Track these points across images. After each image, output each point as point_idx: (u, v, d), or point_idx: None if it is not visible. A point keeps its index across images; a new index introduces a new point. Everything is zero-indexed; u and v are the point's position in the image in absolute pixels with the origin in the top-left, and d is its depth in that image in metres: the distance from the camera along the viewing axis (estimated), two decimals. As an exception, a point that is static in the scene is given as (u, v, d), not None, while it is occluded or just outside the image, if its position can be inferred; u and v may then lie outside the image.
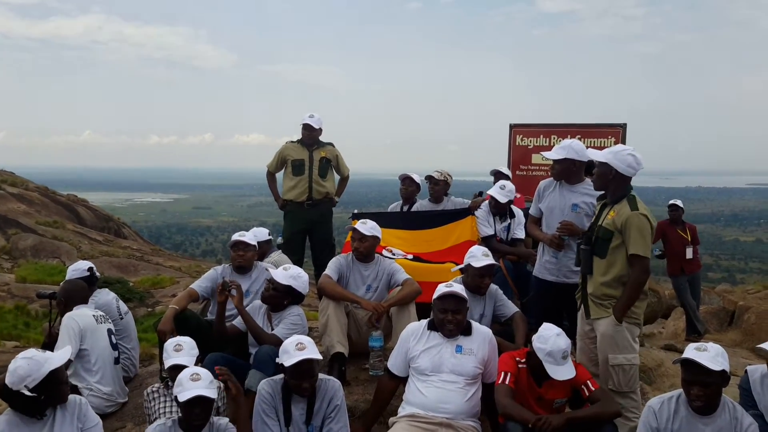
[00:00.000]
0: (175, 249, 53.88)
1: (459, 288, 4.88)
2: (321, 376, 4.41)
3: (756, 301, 12.52)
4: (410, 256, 6.90)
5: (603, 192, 5.12)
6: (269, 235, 7.28)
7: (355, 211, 7.30)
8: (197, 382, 3.98)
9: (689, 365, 3.77)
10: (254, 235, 6.38)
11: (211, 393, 4.01)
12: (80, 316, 5.44)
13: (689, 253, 10.64)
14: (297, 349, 4.23)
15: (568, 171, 5.72)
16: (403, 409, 4.76)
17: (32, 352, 3.98)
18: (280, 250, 7.47)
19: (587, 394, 4.51)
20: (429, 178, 7.87)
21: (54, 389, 3.94)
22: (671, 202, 10.83)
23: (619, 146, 5.04)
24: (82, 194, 34.92)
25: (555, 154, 5.71)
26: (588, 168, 5.76)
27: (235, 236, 6.15)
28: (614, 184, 4.89)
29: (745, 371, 4.37)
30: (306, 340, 4.32)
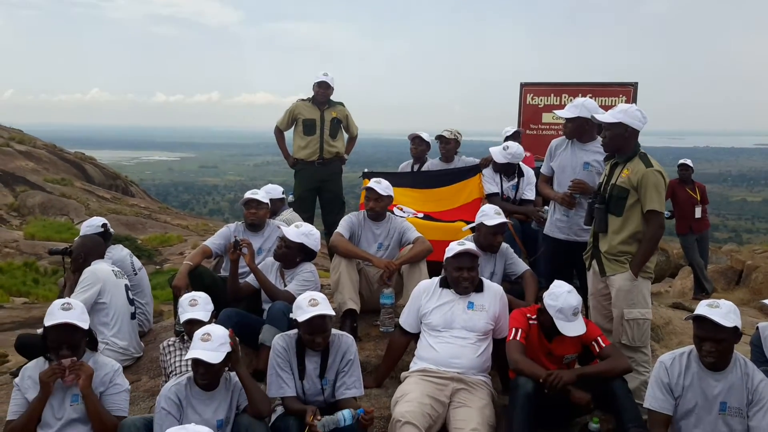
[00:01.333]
0: (182, 207, 54.01)
1: (472, 245, 4.93)
2: (334, 331, 4.47)
3: (763, 260, 12.56)
4: (421, 215, 6.92)
5: (608, 153, 5.14)
6: (282, 193, 7.32)
7: (366, 170, 7.31)
8: (205, 343, 3.99)
9: (701, 322, 3.80)
10: (266, 193, 6.40)
11: (214, 357, 3.95)
12: (100, 270, 5.50)
13: (698, 213, 10.66)
14: (310, 305, 4.27)
15: (581, 129, 5.71)
16: (415, 364, 4.85)
17: (67, 300, 4.12)
18: (292, 209, 7.51)
19: (598, 350, 4.58)
20: (440, 137, 7.86)
21: (52, 343, 3.99)
22: (681, 161, 10.81)
23: (624, 105, 5.08)
24: (89, 152, 34.96)
25: (568, 112, 5.70)
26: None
27: (248, 194, 6.18)
28: (628, 142, 4.90)
29: (757, 328, 4.43)
30: (319, 296, 4.37)
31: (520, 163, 7.27)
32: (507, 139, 8.07)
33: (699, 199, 10.65)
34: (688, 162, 10.74)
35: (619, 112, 4.89)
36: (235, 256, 5.47)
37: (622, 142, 4.92)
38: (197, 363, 3.99)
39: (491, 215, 5.72)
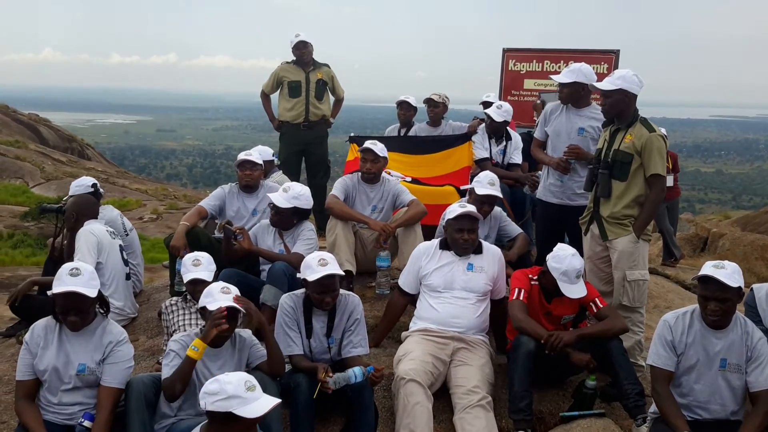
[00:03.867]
0: (139, 172, 53.17)
1: (473, 208, 4.99)
2: (341, 291, 4.51)
3: (728, 228, 12.92)
4: (409, 179, 6.94)
5: (608, 119, 5.20)
6: (272, 155, 7.29)
7: (352, 134, 7.30)
8: (228, 295, 4.06)
9: (707, 282, 3.90)
10: (259, 154, 6.36)
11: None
12: (96, 231, 5.43)
13: (669, 181, 10.84)
14: (320, 264, 4.31)
15: (576, 95, 5.75)
16: (415, 324, 4.94)
17: (76, 264, 4.02)
18: (281, 171, 7.48)
19: (595, 310, 4.71)
20: (428, 101, 7.88)
21: (60, 308, 3.94)
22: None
23: (621, 71, 5.11)
24: (42, 114, 34.06)
25: (564, 77, 5.72)
26: None
27: (242, 155, 6.08)
28: (628, 108, 4.99)
29: (751, 289, 4.57)
30: (328, 256, 4.41)
31: (508, 128, 7.33)
32: (486, 105, 8.10)
33: (671, 167, 10.84)
34: (663, 131, 10.91)
35: (618, 79, 4.95)
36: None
37: (623, 108, 4.99)
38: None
39: (484, 184, 5.78)
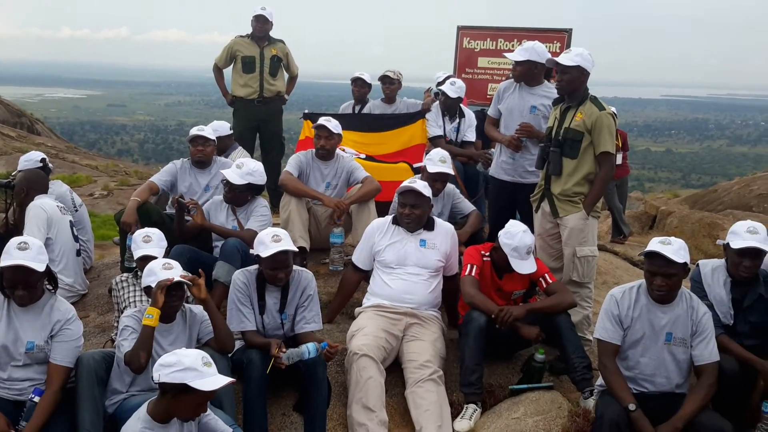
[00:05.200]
0: (89, 147, 52.02)
1: (422, 185, 5.01)
2: (295, 267, 4.52)
3: (677, 206, 13.16)
4: (363, 156, 6.95)
5: (561, 96, 5.25)
6: (230, 129, 7.20)
7: (306, 111, 7.26)
8: (170, 271, 4.04)
9: (654, 257, 3.99)
10: (214, 130, 6.28)
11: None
12: (46, 205, 5.36)
13: (619, 159, 10.99)
14: (273, 240, 4.31)
15: (530, 73, 5.79)
16: (368, 300, 4.98)
17: (25, 239, 3.96)
18: (241, 147, 7.38)
19: (545, 285, 4.80)
20: (384, 77, 7.89)
21: (7, 282, 3.91)
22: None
23: (578, 48, 5.14)
24: (-10, 88, 33.10)
25: (518, 55, 5.76)
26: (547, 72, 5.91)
27: (194, 130, 5.99)
28: (583, 85, 5.05)
29: (697, 265, 4.67)
30: (281, 232, 4.41)
31: (461, 105, 7.37)
32: (439, 84, 8.12)
33: (620, 145, 10.98)
34: (613, 110, 11.04)
35: (576, 56, 4.98)
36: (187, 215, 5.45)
37: (578, 86, 5.04)
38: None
39: (435, 161, 5.82)
